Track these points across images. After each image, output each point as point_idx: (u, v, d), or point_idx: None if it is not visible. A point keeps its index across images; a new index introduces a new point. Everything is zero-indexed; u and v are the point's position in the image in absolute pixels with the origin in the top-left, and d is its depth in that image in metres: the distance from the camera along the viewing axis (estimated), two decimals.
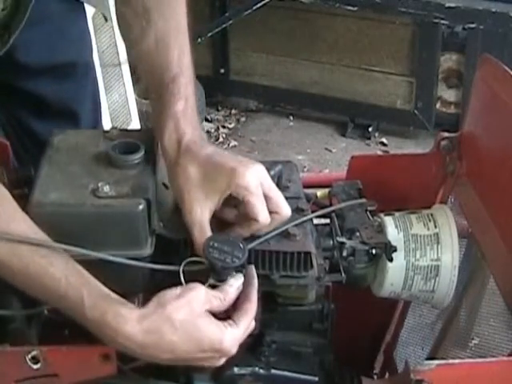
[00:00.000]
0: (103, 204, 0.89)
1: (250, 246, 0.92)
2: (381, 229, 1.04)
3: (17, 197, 0.89)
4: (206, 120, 3.28)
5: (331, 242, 1.01)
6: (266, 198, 0.92)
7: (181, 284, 0.86)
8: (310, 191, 1.12)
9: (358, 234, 1.02)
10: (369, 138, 3.13)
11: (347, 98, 3.12)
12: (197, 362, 0.87)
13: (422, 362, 0.85)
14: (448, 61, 2.90)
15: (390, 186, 1.15)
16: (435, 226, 1.04)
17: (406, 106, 3.04)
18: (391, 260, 1.01)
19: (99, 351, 0.87)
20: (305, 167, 2.93)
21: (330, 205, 1.08)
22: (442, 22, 2.74)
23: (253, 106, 3.38)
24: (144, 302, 0.88)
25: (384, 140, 3.13)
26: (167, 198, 1.00)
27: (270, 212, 0.92)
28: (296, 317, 1.00)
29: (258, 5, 2.91)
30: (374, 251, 1.01)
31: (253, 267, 0.91)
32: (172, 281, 0.89)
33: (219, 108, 3.40)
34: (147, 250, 0.92)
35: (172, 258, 0.92)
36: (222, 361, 0.88)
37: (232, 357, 0.87)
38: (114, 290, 0.84)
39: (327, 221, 1.06)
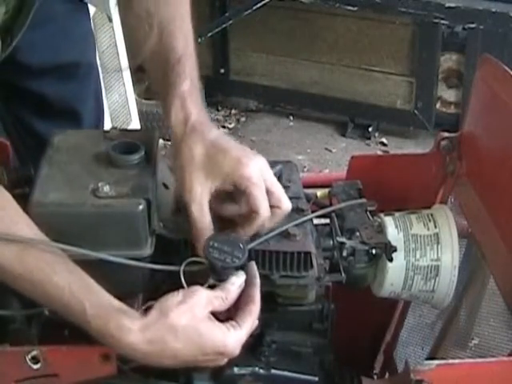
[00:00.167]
0: (103, 204, 0.89)
1: (250, 246, 0.92)
2: (381, 229, 1.04)
3: (18, 196, 0.89)
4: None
5: (331, 242, 1.01)
6: (268, 191, 0.92)
7: (181, 284, 0.86)
8: (309, 191, 1.12)
9: (358, 233, 1.02)
10: (369, 138, 3.13)
11: (347, 97, 3.12)
12: (200, 364, 0.87)
13: (421, 362, 0.85)
14: (448, 61, 2.90)
15: (390, 186, 1.15)
16: (435, 226, 1.04)
17: (406, 106, 3.04)
18: (391, 260, 1.01)
19: (99, 351, 0.87)
20: (305, 167, 2.93)
21: (330, 205, 1.08)
22: (442, 22, 2.74)
23: (253, 106, 3.38)
24: (144, 302, 0.88)
25: (384, 140, 3.13)
26: (167, 198, 1.00)
27: (271, 206, 0.92)
28: (296, 317, 1.00)
29: (258, 5, 2.91)
30: (374, 251, 1.01)
31: (254, 265, 0.91)
32: (172, 281, 0.89)
33: (219, 108, 3.40)
34: (147, 250, 0.91)
35: (172, 258, 0.92)
36: (225, 361, 0.88)
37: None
38: (114, 291, 0.84)
39: (327, 221, 1.06)
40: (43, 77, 1.34)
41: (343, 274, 0.99)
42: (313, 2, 2.89)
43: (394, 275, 1.02)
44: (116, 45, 2.50)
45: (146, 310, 0.85)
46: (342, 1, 2.84)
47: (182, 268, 0.88)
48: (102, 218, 0.89)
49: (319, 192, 1.15)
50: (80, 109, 1.41)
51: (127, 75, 2.62)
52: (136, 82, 2.72)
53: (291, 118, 3.31)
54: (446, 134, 1.15)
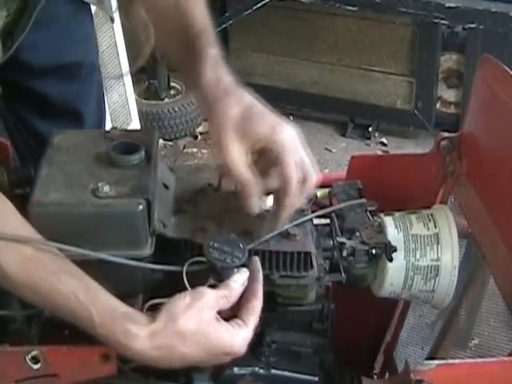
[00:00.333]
0: (103, 204, 0.89)
1: (250, 246, 0.92)
2: (381, 229, 1.04)
3: (18, 196, 0.89)
4: (206, 120, 3.28)
5: (331, 242, 1.01)
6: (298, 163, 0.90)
7: (181, 284, 0.86)
8: None
9: (358, 234, 1.02)
10: (369, 138, 3.13)
11: (347, 97, 3.12)
12: (207, 363, 0.87)
13: (421, 362, 0.84)
14: (448, 61, 2.90)
15: (390, 186, 1.15)
16: (435, 226, 1.04)
17: (406, 106, 3.03)
18: (391, 260, 1.01)
19: (99, 351, 0.87)
20: None
21: (330, 205, 1.08)
22: (442, 22, 2.74)
23: None
24: (144, 302, 0.88)
25: (384, 140, 3.13)
26: (167, 198, 1.00)
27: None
28: (296, 317, 1.00)
29: (258, 5, 2.91)
30: (374, 251, 1.01)
31: (257, 260, 0.91)
32: (172, 281, 0.89)
33: None
34: (147, 250, 0.91)
35: (172, 257, 0.92)
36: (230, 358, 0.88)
37: None
38: (114, 291, 0.84)
39: (327, 221, 1.06)
40: (46, 77, 1.34)
41: (343, 274, 0.99)
42: (313, 1, 2.89)
43: (394, 275, 1.02)
44: (116, 45, 2.50)
45: (149, 309, 0.85)
46: (342, 1, 2.84)
47: (184, 268, 0.88)
48: (102, 217, 0.89)
49: (319, 192, 1.15)
50: (82, 109, 1.41)
51: (127, 75, 2.62)
52: (136, 82, 2.72)
53: (291, 118, 3.29)
54: (446, 134, 1.15)
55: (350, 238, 1.02)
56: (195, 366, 0.89)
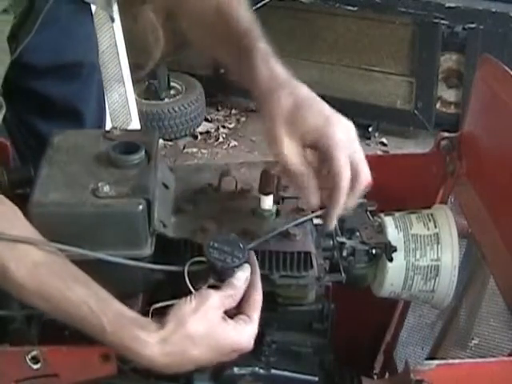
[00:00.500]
0: (103, 204, 0.89)
1: (250, 246, 0.92)
2: (381, 229, 1.04)
3: (18, 197, 0.89)
4: (206, 120, 3.28)
5: (331, 242, 1.01)
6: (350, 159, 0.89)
7: (182, 284, 0.86)
8: None
9: (358, 233, 1.02)
10: (369, 138, 3.13)
11: (347, 97, 3.12)
12: (215, 362, 0.88)
13: (421, 362, 0.84)
14: (448, 61, 2.90)
15: (390, 186, 1.14)
16: (435, 226, 1.04)
17: (406, 106, 3.03)
18: (391, 260, 1.01)
19: (99, 351, 0.87)
20: None
21: None
22: (442, 22, 2.74)
23: (253, 106, 3.37)
24: (144, 302, 0.88)
25: (384, 140, 3.13)
26: (167, 198, 1.00)
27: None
28: (296, 317, 1.00)
29: (258, 5, 2.91)
30: (374, 251, 1.01)
31: (253, 253, 0.91)
32: (172, 281, 0.89)
33: (219, 108, 3.40)
34: (147, 250, 0.91)
35: (172, 257, 0.92)
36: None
37: None
38: (114, 291, 0.84)
39: None
40: (46, 77, 1.33)
41: (343, 274, 0.99)
42: (313, 1, 2.89)
43: (394, 275, 1.02)
44: (116, 45, 2.50)
45: (152, 312, 0.85)
46: (342, 1, 2.84)
47: (186, 268, 0.88)
48: (102, 217, 0.89)
49: None
50: (82, 109, 1.41)
51: (127, 75, 2.62)
52: (136, 82, 2.72)
53: None
54: (446, 134, 1.15)
55: (350, 238, 1.02)
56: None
